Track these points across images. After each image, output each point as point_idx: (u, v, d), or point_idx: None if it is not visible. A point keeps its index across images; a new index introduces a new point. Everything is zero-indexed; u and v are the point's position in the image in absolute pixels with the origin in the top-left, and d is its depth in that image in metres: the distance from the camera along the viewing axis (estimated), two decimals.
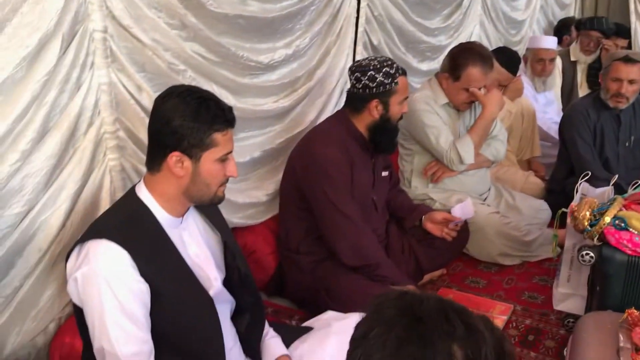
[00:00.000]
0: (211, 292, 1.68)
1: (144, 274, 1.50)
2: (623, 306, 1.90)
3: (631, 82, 3.02)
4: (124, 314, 1.47)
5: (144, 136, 2.04)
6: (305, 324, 2.06)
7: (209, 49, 2.30)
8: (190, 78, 2.20)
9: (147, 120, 2.02)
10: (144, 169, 1.98)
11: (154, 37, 2.06)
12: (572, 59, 4.75)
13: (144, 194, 1.60)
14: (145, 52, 2.04)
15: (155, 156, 1.58)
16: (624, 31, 4.76)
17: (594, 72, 4.54)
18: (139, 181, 1.65)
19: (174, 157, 1.55)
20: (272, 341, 1.87)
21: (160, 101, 1.56)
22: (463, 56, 2.94)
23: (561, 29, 5.59)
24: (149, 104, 2.04)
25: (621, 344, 1.69)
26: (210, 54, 2.32)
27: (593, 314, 1.99)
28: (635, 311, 1.78)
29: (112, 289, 1.45)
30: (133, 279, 1.48)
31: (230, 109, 1.61)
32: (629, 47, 5.97)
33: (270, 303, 2.60)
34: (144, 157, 2.04)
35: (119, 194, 1.99)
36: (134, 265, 1.48)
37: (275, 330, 1.93)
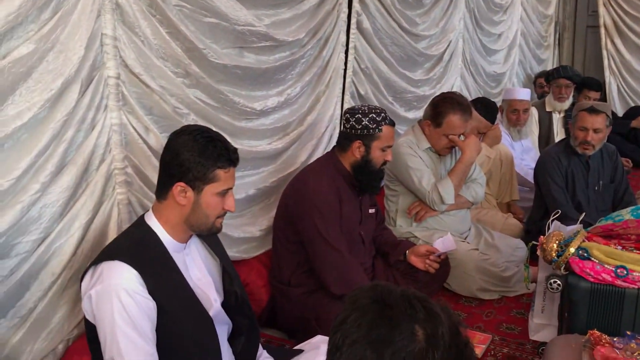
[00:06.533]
0: (211, 313, 1.83)
1: (151, 292, 1.65)
2: (587, 329, 2.08)
3: (596, 130, 3.26)
4: (133, 328, 1.61)
5: (149, 173, 2.25)
6: (297, 347, 2.20)
7: (209, 95, 2.53)
8: (192, 121, 2.41)
9: (153, 158, 2.24)
10: (149, 203, 2.17)
11: (161, 84, 2.27)
12: (548, 109, 5.04)
13: (152, 220, 1.78)
14: (153, 97, 2.25)
15: (163, 185, 1.76)
16: (594, 84, 5.08)
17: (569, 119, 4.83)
18: (148, 210, 1.82)
19: (178, 187, 1.72)
20: None
21: (174, 136, 1.75)
22: (444, 105, 3.18)
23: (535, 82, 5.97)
24: (155, 143, 2.25)
25: None
26: (211, 100, 2.54)
27: (561, 337, 2.15)
28: (596, 332, 1.94)
29: (124, 305, 1.60)
30: (142, 297, 1.64)
31: (235, 150, 1.80)
32: (604, 99, 6.33)
33: (263, 334, 2.73)
34: (149, 192, 2.24)
35: (125, 226, 2.15)
36: (142, 283, 1.64)
37: (269, 352, 2.08)
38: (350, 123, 2.63)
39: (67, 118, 1.92)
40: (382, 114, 2.67)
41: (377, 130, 2.64)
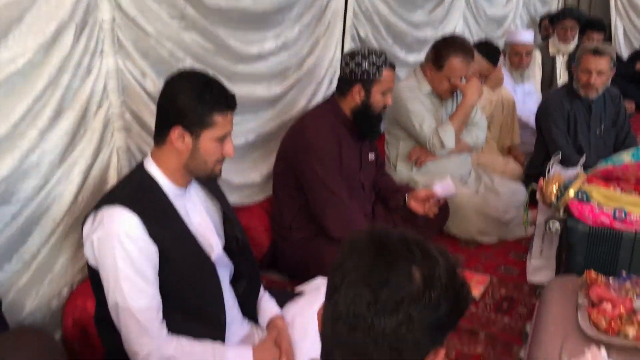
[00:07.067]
0: (212, 257, 1.84)
1: (153, 236, 1.66)
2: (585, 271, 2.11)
3: (599, 73, 3.22)
4: (135, 272, 1.63)
5: (147, 119, 2.23)
6: (297, 288, 2.24)
7: (205, 39, 2.47)
8: (189, 65, 2.36)
9: (150, 103, 2.22)
10: (147, 149, 2.17)
11: (156, 27, 2.22)
12: (551, 51, 4.95)
13: (151, 166, 1.77)
14: (149, 41, 2.21)
15: (161, 130, 1.73)
16: (598, 25, 4.97)
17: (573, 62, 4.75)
18: (147, 156, 1.81)
19: (176, 132, 1.70)
20: (267, 303, 2.05)
21: (170, 80, 1.73)
22: (446, 47, 3.12)
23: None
24: (152, 88, 2.22)
25: (580, 301, 1.88)
26: (207, 43, 2.49)
27: (558, 278, 2.19)
28: (593, 272, 1.97)
29: (125, 250, 1.62)
30: (143, 241, 1.65)
31: (232, 95, 1.77)
32: (610, 40, 6.19)
33: (264, 277, 2.77)
34: (147, 138, 2.23)
35: (125, 172, 2.15)
36: (143, 228, 1.65)
37: (270, 294, 2.11)
38: (350, 67, 2.59)
39: (63, 63, 1.89)
40: (382, 57, 2.62)
41: (377, 74, 2.60)
